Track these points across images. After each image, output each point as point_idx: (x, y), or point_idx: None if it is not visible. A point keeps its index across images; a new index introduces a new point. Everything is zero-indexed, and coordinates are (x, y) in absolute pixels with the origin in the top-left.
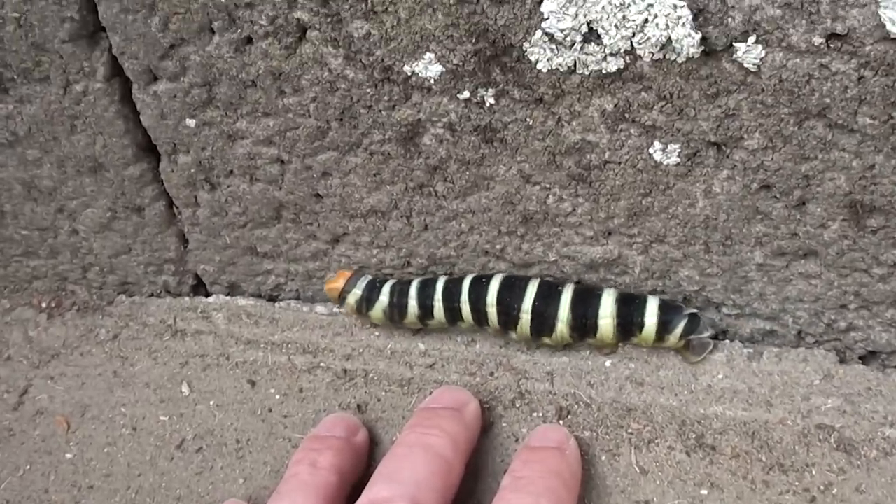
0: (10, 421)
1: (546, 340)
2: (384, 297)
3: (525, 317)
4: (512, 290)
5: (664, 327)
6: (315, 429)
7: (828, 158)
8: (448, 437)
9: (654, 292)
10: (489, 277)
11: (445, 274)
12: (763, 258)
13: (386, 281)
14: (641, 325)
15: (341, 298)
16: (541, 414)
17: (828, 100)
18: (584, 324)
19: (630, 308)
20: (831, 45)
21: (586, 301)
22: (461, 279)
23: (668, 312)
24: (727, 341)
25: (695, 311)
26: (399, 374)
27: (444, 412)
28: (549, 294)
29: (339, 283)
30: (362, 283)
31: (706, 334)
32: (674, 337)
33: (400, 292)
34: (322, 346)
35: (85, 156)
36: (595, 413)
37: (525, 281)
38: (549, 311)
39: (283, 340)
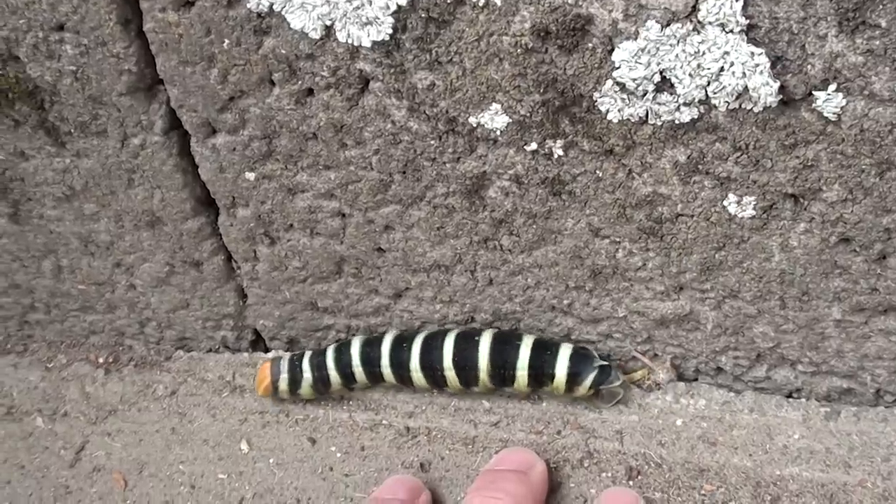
0: (66, 478)
1: (475, 390)
2: (307, 374)
3: (450, 373)
4: (432, 352)
5: (573, 379)
6: (377, 491)
7: None
8: (513, 501)
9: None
10: (410, 341)
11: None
12: (841, 314)
13: (304, 355)
14: (552, 377)
15: (275, 388)
16: (610, 474)
17: None
18: (502, 374)
19: (542, 359)
20: None
21: (505, 351)
22: (379, 342)
23: (578, 364)
24: (803, 399)
25: (605, 362)
26: (463, 431)
27: (509, 474)
28: (467, 347)
29: (266, 376)
30: (285, 366)
31: (616, 383)
32: (583, 388)
33: (318, 364)
34: (384, 403)
35: (142, 210)
36: (666, 474)
37: (442, 339)
38: (470, 363)
39: (345, 397)
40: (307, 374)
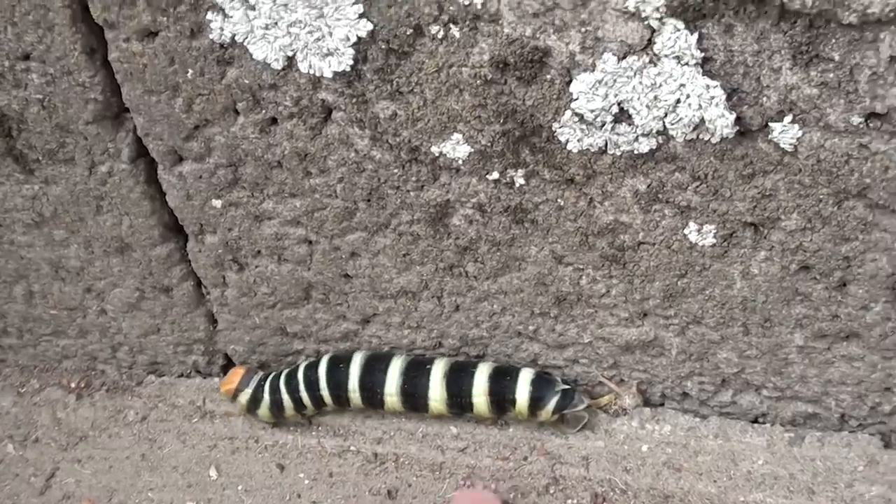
0: None
1: (425, 415)
2: (266, 396)
3: (391, 399)
4: (374, 373)
5: (536, 403)
6: None
7: (868, 239)
8: None
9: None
10: (347, 360)
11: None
12: (804, 340)
13: (269, 376)
14: (514, 402)
15: (234, 397)
16: (576, 501)
17: (868, 180)
18: (459, 402)
19: (502, 384)
20: (871, 125)
21: (460, 379)
22: (317, 365)
23: (540, 388)
24: (767, 425)
25: (567, 386)
26: (430, 458)
27: None
28: (417, 374)
29: (234, 382)
30: (253, 382)
31: (581, 407)
32: (546, 413)
33: (275, 388)
34: (352, 429)
35: (111, 236)
36: (631, 500)
37: (387, 362)
38: (420, 391)
39: (314, 423)
40: (266, 396)
